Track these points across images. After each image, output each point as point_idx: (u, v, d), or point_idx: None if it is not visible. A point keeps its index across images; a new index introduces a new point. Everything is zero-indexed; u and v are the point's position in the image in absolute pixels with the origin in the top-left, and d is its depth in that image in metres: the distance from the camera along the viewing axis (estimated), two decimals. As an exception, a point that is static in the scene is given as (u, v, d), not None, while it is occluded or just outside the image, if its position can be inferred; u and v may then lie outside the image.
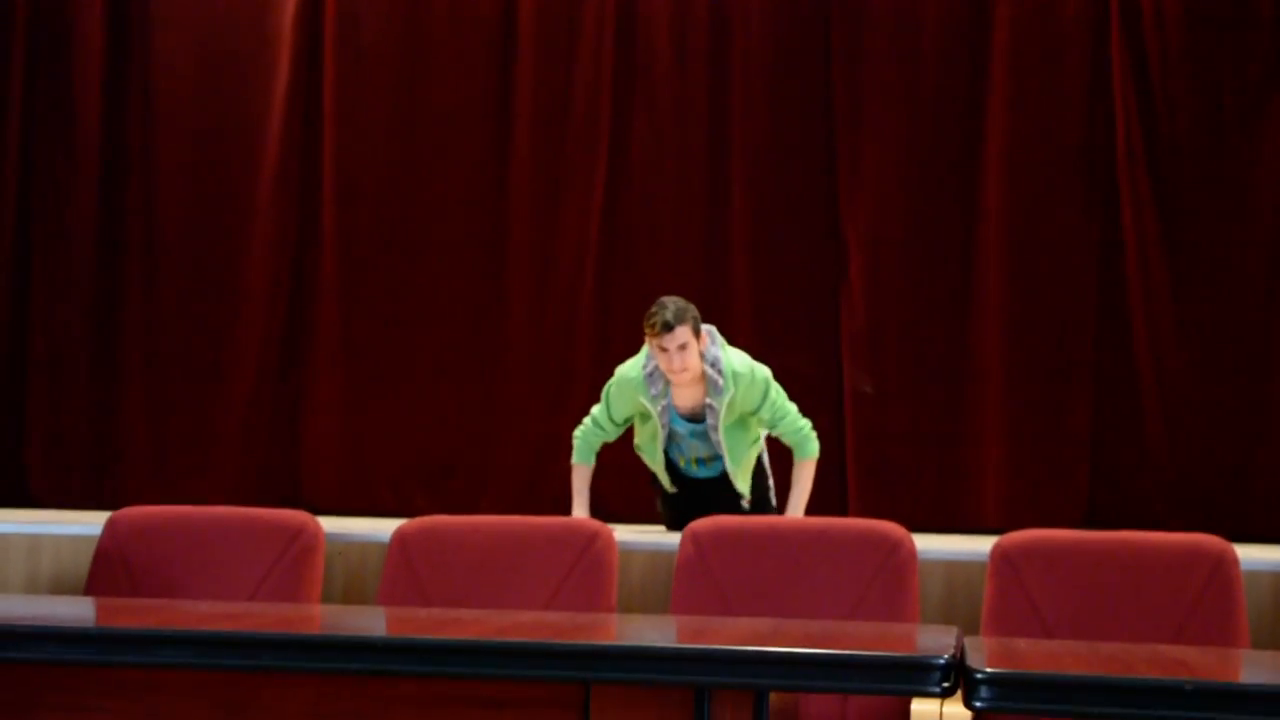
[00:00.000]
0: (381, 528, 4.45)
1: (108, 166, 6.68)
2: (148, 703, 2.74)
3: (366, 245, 6.59)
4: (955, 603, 4.20)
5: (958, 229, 6.21)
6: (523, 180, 6.50)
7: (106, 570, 4.06)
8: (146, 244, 6.66)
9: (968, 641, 2.69)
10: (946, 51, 6.26)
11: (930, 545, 4.25)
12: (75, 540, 4.53)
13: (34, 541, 4.60)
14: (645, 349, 4.76)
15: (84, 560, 4.20)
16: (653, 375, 4.75)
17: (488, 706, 2.65)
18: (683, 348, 4.61)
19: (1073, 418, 6.08)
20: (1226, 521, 5.21)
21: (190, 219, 6.66)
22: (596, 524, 4.04)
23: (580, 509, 4.85)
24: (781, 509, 4.89)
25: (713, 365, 4.70)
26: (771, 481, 5.05)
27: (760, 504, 4.95)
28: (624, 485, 5.46)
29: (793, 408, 4.80)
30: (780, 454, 4.96)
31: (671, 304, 4.65)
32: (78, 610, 3.40)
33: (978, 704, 2.37)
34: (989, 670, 2.38)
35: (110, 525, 4.13)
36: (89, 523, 4.50)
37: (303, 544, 4.02)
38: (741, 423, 4.81)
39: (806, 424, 4.81)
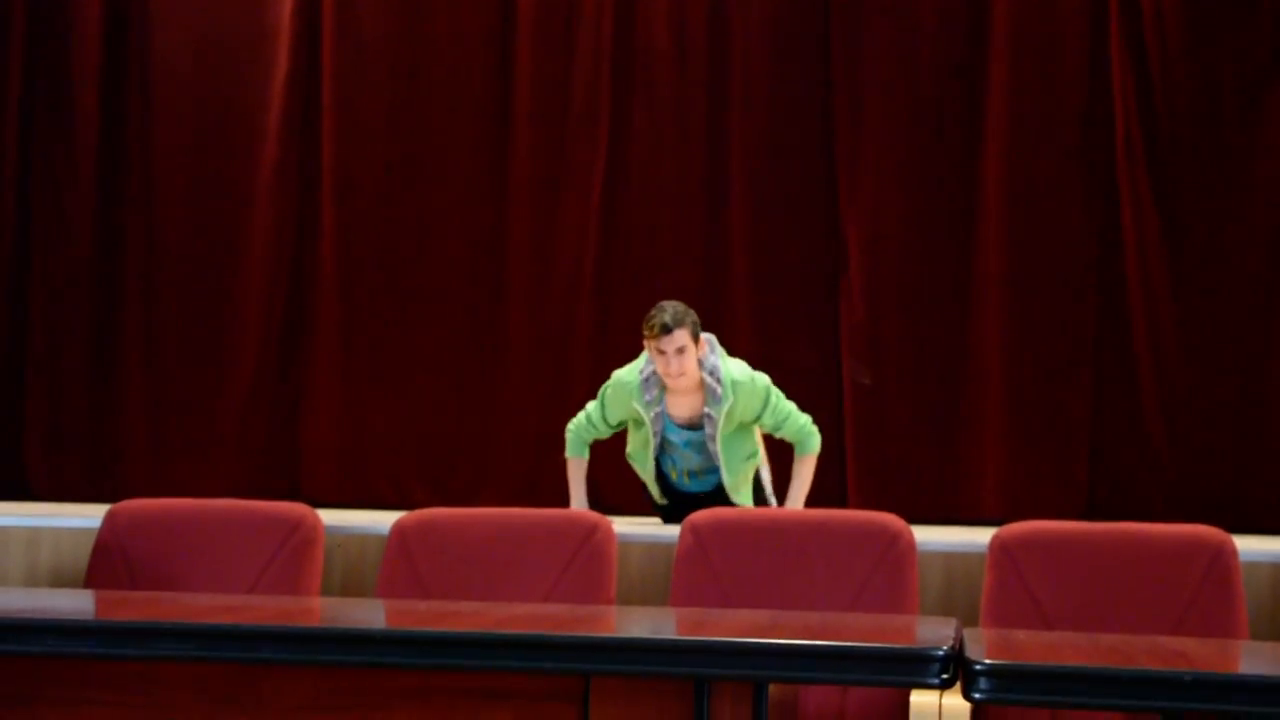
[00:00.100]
0: (380, 520, 4.45)
1: (106, 162, 6.68)
2: (147, 695, 2.74)
3: (365, 238, 6.59)
4: (954, 594, 4.21)
5: (957, 224, 6.21)
6: (522, 175, 6.50)
7: (106, 563, 4.06)
8: (145, 238, 6.67)
9: (967, 633, 2.69)
10: (945, 48, 6.27)
11: (929, 537, 4.25)
12: (74, 533, 4.52)
13: (33, 534, 4.59)
14: (644, 354, 4.74)
15: (83, 553, 4.20)
16: (649, 381, 4.71)
17: (487, 698, 2.65)
18: (680, 351, 4.58)
19: (1072, 410, 6.09)
20: (1225, 514, 5.21)
21: (189, 213, 6.67)
22: (595, 516, 4.04)
23: (578, 501, 4.84)
24: (781, 502, 4.88)
25: (711, 373, 4.66)
26: (774, 502, 4.99)
27: None
28: (622, 478, 5.45)
29: (792, 407, 4.78)
30: (780, 450, 4.95)
31: (671, 307, 4.62)
32: (77, 603, 3.40)
33: (977, 695, 2.37)
34: (988, 662, 2.38)
35: (109, 518, 4.13)
36: (88, 515, 4.49)
37: (302, 536, 4.01)
38: (740, 432, 4.78)
39: (807, 420, 4.79)
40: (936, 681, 2.41)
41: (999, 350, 6.12)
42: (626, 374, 4.79)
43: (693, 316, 4.63)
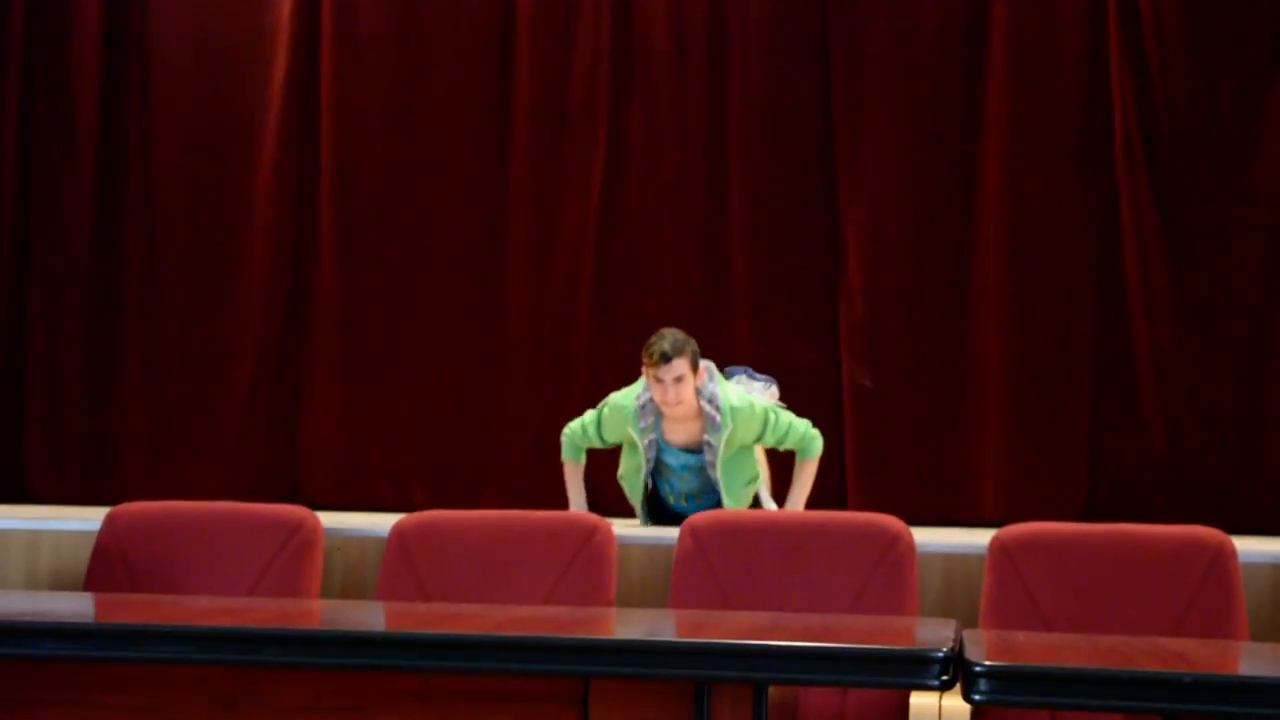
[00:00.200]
0: (380, 522, 4.45)
1: (106, 162, 6.68)
2: (147, 698, 2.74)
3: (365, 238, 6.59)
4: (954, 596, 4.21)
5: (957, 225, 6.21)
6: (521, 174, 6.50)
7: (105, 566, 4.06)
8: (145, 239, 6.66)
9: (966, 634, 2.69)
10: (944, 47, 6.26)
11: (929, 538, 4.25)
12: (74, 536, 4.52)
13: (33, 537, 4.59)
14: (642, 380, 4.71)
15: (83, 556, 4.20)
16: (645, 408, 4.69)
17: (487, 701, 2.65)
18: (679, 380, 4.57)
19: (1072, 411, 6.08)
20: (1225, 514, 5.21)
21: (189, 214, 6.66)
22: (595, 518, 4.04)
23: (577, 503, 4.84)
24: (781, 504, 4.88)
25: (710, 401, 4.64)
26: (773, 507, 4.98)
27: None
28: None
29: (792, 419, 4.77)
30: (780, 455, 4.95)
31: (670, 335, 4.60)
32: (77, 606, 3.40)
33: (976, 697, 2.37)
34: (988, 663, 2.38)
35: (109, 521, 4.13)
36: (88, 518, 4.49)
37: (301, 539, 4.01)
38: (740, 454, 4.75)
39: (808, 426, 4.78)
40: (936, 683, 2.41)
41: (998, 351, 6.12)
42: (623, 398, 4.77)
43: (692, 345, 4.61)
